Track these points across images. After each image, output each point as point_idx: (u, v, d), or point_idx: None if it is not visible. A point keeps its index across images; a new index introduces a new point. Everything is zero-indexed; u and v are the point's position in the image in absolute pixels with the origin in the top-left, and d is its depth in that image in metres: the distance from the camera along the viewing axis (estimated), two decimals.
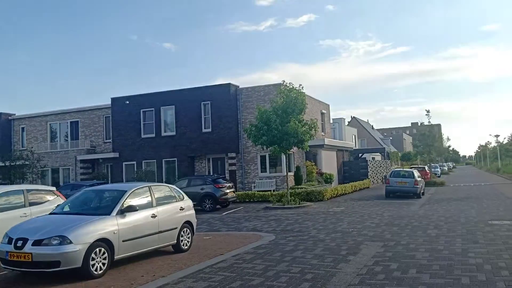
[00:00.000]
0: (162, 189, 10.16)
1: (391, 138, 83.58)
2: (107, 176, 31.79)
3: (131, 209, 8.62)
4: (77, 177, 32.45)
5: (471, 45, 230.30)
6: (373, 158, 52.19)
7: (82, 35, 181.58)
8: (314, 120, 21.57)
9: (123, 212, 8.54)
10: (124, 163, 31.28)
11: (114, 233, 8.17)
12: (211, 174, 28.70)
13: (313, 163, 29.72)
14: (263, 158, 28.69)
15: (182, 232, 10.06)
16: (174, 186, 10.84)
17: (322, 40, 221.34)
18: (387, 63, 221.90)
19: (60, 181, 32.82)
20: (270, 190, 26.85)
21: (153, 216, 9.17)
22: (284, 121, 20.40)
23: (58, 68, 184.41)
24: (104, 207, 8.82)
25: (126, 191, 8.99)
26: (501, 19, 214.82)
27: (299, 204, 21.14)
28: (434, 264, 8.18)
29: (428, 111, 37.54)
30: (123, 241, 8.33)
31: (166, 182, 27.82)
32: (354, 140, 57.42)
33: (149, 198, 9.39)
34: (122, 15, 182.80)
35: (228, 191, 21.66)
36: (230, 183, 22.89)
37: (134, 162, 30.93)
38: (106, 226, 8.12)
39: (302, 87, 21.37)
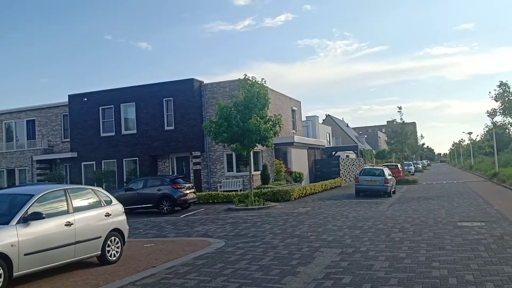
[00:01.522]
0: (82, 193, 8.72)
1: (365, 136, 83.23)
2: (64, 177, 30.01)
3: (37, 216, 7.22)
4: (34, 178, 30.61)
5: (446, 45, 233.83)
6: (347, 156, 51.46)
7: (54, 34, 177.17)
8: (277, 116, 20.36)
9: (26, 220, 7.14)
10: (82, 163, 29.55)
11: (12, 245, 6.76)
12: (174, 174, 27.30)
13: (282, 162, 28.55)
14: (229, 156, 27.36)
15: (109, 242, 8.69)
16: (100, 189, 9.41)
17: (300, 39, 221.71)
18: (364, 63, 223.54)
19: (16, 182, 30.97)
20: (237, 190, 25.59)
21: (68, 224, 7.78)
22: (245, 117, 19.15)
23: (29, 67, 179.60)
24: (3, 214, 7.37)
25: (32, 196, 7.57)
26: (475, 18, 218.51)
27: (263, 205, 19.94)
28: (392, 277, 7.03)
29: (400, 108, 36.80)
30: (25, 254, 6.94)
31: (126, 183, 26.34)
32: (328, 138, 56.67)
33: (63, 204, 7.98)
34: (95, 14, 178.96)
35: (187, 191, 20.28)
36: (190, 183, 21.52)
37: (93, 162, 29.24)
38: (2, 237, 6.71)
39: (265, 82, 20.27)
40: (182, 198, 19.85)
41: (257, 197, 20.70)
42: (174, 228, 14.48)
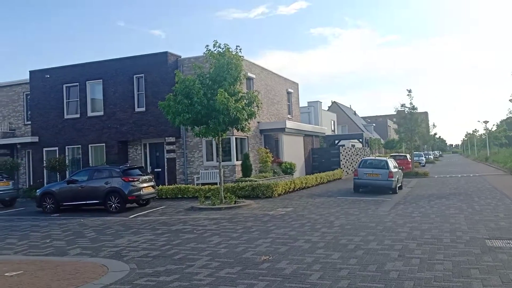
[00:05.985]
0: None
1: (374, 124, 78.66)
2: (21, 164, 26.38)
3: None
4: None
5: (454, 34, 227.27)
6: (353, 146, 47.35)
7: (67, 20, 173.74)
8: (253, 93, 16.39)
9: None
10: (44, 149, 25.81)
11: None
12: (147, 163, 23.60)
13: (269, 150, 24.56)
14: (209, 143, 23.47)
15: None
16: None
17: (313, 28, 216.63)
18: (376, 51, 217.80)
19: None
20: (216, 183, 21.76)
21: None
22: (213, 93, 15.25)
23: (41, 55, 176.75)
24: None
25: None
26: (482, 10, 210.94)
27: (234, 203, 16.08)
28: None
29: (410, 91, 32.45)
30: None
31: None
32: (333, 126, 52.54)
33: None
34: (106, 1, 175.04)
35: (143, 185, 16.48)
36: (148, 175, 17.69)
37: (56, 148, 25.49)
38: None
39: (240, 50, 16.19)
40: (135, 193, 16.04)
41: (229, 194, 16.86)
42: (92, 239, 10.63)
